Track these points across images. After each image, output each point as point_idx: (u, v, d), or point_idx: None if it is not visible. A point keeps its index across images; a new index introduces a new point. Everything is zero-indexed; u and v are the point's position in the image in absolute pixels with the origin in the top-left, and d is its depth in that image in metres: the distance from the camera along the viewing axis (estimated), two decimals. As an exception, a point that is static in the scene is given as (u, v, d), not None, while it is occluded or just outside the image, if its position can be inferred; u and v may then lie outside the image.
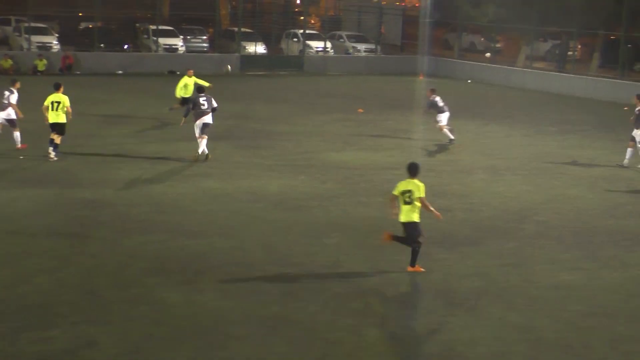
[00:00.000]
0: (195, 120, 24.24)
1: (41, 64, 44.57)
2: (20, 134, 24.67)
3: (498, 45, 55.48)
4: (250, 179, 22.40)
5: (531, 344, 12.43)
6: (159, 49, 49.77)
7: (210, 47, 52.86)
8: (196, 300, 13.63)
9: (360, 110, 35.58)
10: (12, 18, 51.41)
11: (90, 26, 51.22)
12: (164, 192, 20.69)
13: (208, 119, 24.21)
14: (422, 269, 15.32)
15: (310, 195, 20.86)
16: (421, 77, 47.78)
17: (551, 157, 27.02)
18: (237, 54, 50.52)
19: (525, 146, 28.98)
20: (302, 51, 53.44)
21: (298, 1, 65.60)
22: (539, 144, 29.45)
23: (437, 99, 28.62)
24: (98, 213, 18.59)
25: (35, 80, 39.79)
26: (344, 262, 15.80)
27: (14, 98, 24.63)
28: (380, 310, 13.52)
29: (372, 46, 55.96)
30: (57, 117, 23.69)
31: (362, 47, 55.97)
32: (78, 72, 45.15)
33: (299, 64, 52.12)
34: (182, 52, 50.50)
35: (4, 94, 24.81)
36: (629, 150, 25.62)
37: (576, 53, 50.76)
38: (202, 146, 24.24)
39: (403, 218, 15.10)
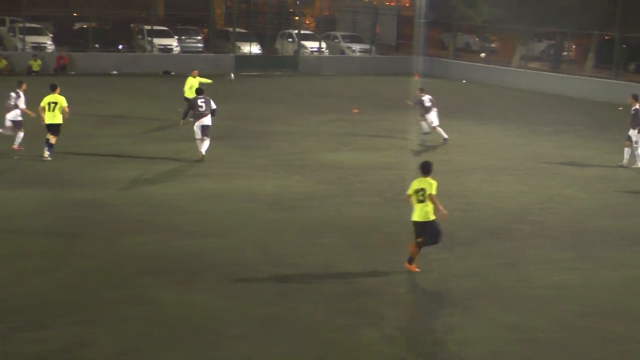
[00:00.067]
0: (195, 122, 24.24)
1: (36, 65, 44.51)
2: (24, 137, 24.55)
3: (493, 45, 55.55)
4: (245, 179, 22.39)
5: (526, 344, 12.44)
6: (154, 49, 49.71)
7: (205, 47, 52.82)
8: (192, 300, 13.62)
9: (355, 111, 35.58)
10: (7, 18, 51.31)
11: (85, 26, 51.15)
12: (160, 193, 20.68)
13: (207, 120, 24.18)
14: (418, 270, 15.33)
15: (305, 196, 20.85)
16: (416, 78, 47.77)
17: (546, 157, 27.05)
18: (232, 54, 50.51)
19: (520, 146, 29.01)
20: (297, 51, 53.44)
21: (297, 2, 65.52)
22: (534, 144, 29.48)
23: (425, 98, 28.67)
24: (94, 213, 18.57)
25: (29, 81, 39.66)
26: (339, 262, 15.80)
27: (22, 102, 24.49)
28: (376, 310, 13.51)
29: (367, 46, 55.97)
30: (53, 118, 23.67)
31: (357, 47, 55.96)
32: (72, 73, 45.08)
33: (293, 64, 52.10)
34: (176, 52, 50.46)
35: (9, 96, 24.61)
36: (627, 150, 25.65)
37: (571, 53, 50.85)
38: (205, 147, 24.21)
39: (419, 217, 15.13)
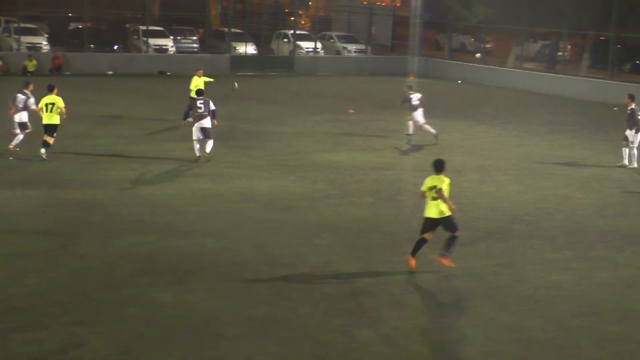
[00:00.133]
0: (194, 123, 24.25)
1: (31, 65, 44.44)
2: (24, 139, 24.50)
3: (488, 45, 55.59)
4: (241, 179, 22.39)
5: (522, 344, 12.45)
6: (149, 49, 49.69)
7: (200, 47, 52.84)
8: (187, 300, 13.61)
9: (351, 111, 35.60)
10: (2, 19, 51.24)
11: (80, 27, 51.10)
12: (157, 193, 20.67)
13: (207, 122, 24.12)
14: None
15: (301, 196, 20.85)
16: (411, 78, 47.71)
17: (542, 157, 27.08)
18: (227, 55, 50.50)
19: (516, 146, 29.04)
20: (292, 52, 53.45)
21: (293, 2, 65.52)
22: (530, 144, 29.51)
23: (413, 96, 28.75)
24: (89, 214, 18.56)
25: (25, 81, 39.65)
26: (335, 262, 15.80)
27: (32, 102, 24.36)
28: (373, 310, 13.51)
29: (363, 47, 56.01)
30: (51, 118, 23.69)
31: (352, 47, 56.00)
32: (68, 73, 45.04)
33: (289, 64, 52.11)
34: (172, 52, 50.44)
35: (17, 98, 24.44)
36: (624, 150, 25.69)
37: (566, 53, 50.91)
38: (209, 147, 24.25)
39: (434, 214, 15.18)
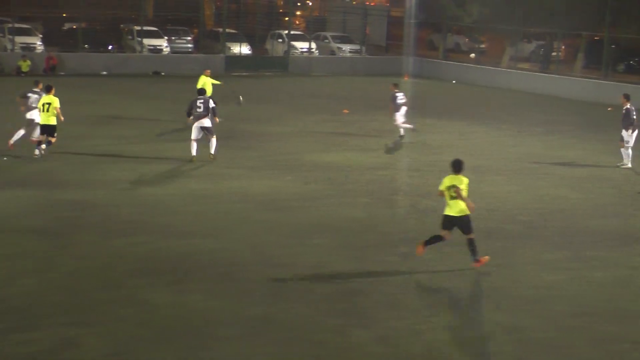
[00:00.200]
0: (194, 122, 24.28)
1: (25, 65, 44.36)
2: (23, 137, 24.49)
3: (482, 46, 55.66)
4: (236, 179, 22.38)
5: (516, 344, 12.46)
6: (144, 49, 49.64)
7: (194, 47, 52.78)
8: (183, 300, 13.60)
9: (346, 111, 35.61)
10: (-4, 19, 51.19)
11: (75, 27, 51.01)
12: (152, 193, 20.65)
13: (206, 122, 24.20)
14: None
15: (296, 196, 20.85)
16: (406, 78, 47.81)
17: (536, 157, 27.11)
18: (221, 55, 50.47)
19: (511, 147, 29.07)
20: (287, 52, 53.43)
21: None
22: (524, 145, 29.54)
23: (399, 94, 28.96)
24: (84, 214, 18.53)
25: (19, 82, 39.63)
26: (330, 262, 15.80)
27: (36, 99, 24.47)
28: (368, 310, 13.52)
29: (357, 47, 56.01)
30: (47, 119, 23.72)
31: (347, 47, 56.00)
32: (62, 73, 44.95)
33: (283, 64, 52.09)
34: (166, 52, 50.41)
35: (29, 97, 24.40)
36: (623, 150, 25.71)
37: (560, 54, 50.98)
38: (213, 146, 24.32)
39: (454, 212, 15.31)
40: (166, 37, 51.20)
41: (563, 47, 52.18)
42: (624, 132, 25.46)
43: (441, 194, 15.58)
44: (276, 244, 16.80)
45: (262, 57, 53.61)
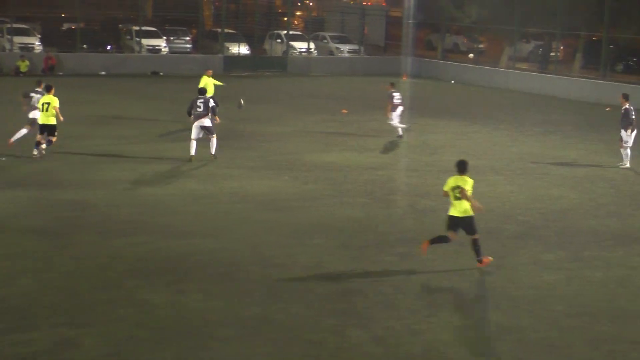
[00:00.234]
0: (194, 122, 24.30)
1: (23, 65, 44.36)
2: (24, 137, 24.48)
3: (481, 46, 55.67)
4: (234, 179, 22.37)
5: (514, 344, 12.45)
6: (142, 50, 49.64)
7: (193, 47, 52.80)
8: (180, 301, 13.60)
9: (345, 111, 35.61)
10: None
11: (73, 27, 51.03)
12: (149, 193, 20.65)
13: (205, 121, 24.26)
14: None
15: (294, 196, 20.85)
16: (404, 78, 47.81)
17: (534, 157, 27.11)
18: (220, 55, 50.47)
19: (509, 147, 29.07)
20: (285, 52, 53.44)
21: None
22: (523, 145, 29.55)
23: (395, 94, 29.10)
24: (84, 214, 18.52)
25: (18, 82, 39.66)
26: (328, 262, 15.79)
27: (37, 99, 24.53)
28: (365, 310, 13.51)
29: (356, 47, 56.02)
30: (47, 118, 23.76)
31: (345, 48, 56.02)
32: (61, 73, 44.95)
33: (282, 64, 52.11)
34: (165, 53, 50.40)
35: (31, 97, 24.47)
36: (622, 150, 25.71)
37: (559, 54, 50.98)
38: (213, 146, 24.38)
39: (458, 212, 15.38)
40: (165, 37, 51.22)
41: (561, 47, 52.20)
42: (623, 132, 25.46)
43: (446, 194, 15.62)
44: (275, 244, 16.80)
45: (261, 57, 53.61)
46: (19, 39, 47.03)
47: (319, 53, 55.17)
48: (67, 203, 19.38)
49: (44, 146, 23.97)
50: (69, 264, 15.22)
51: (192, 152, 24.21)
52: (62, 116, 24.09)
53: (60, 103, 24.08)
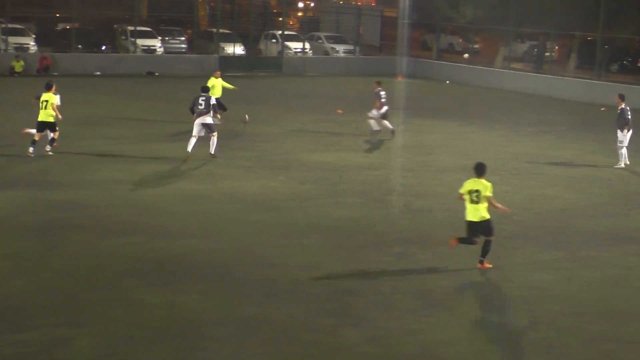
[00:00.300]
0: (196, 119, 24.35)
1: (18, 65, 44.28)
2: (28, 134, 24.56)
3: (476, 46, 55.71)
4: (230, 180, 22.36)
5: (510, 343, 12.47)
6: (137, 50, 49.59)
7: (188, 48, 52.74)
8: (175, 301, 13.58)
9: (340, 111, 35.61)
10: (-11, 19, 51.08)
11: (68, 27, 50.94)
12: (144, 194, 20.63)
13: (208, 119, 24.36)
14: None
15: (289, 196, 20.84)
16: (400, 78, 47.88)
17: (529, 157, 27.13)
18: (215, 55, 50.43)
19: (504, 147, 29.09)
20: (280, 52, 53.41)
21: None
22: (517, 145, 29.57)
23: (382, 93, 29.23)
24: (77, 214, 18.49)
25: (12, 82, 39.61)
26: (323, 263, 15.79)
27: (57, 99, 24.62)
28: (360, 310, 13.51)
29: (351, 47, 56.02)
30: (46, 116, 23.83)
31: (340, 48, 56.01)
32: (55, 74, 44.76)
33: (277, 65, 52.06)
34: (160, 53, 50.35)
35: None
36: (619, 150, 25.75)
37: (553, 54, 51.04)
38: (213, 145, 24.46)
39: (473, 217, 15.45)
40: (160, 38, 51.14)
41: (556, 47, 52.25)
42: (619, 132, 25.49)
43: (461, 197, 15.63)
44: (269, 245, 16.79)
45: (256, 58, 53.53)
46: (13, 39, 46.90)
47: (314, 53, 55.16)
48: (63, 203, 19.35)
49: (48, 147, 24.04)
50: (63, 265, 15.20)
51: (189, 148, 24.20)
52: (61, 116, 24.11)
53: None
